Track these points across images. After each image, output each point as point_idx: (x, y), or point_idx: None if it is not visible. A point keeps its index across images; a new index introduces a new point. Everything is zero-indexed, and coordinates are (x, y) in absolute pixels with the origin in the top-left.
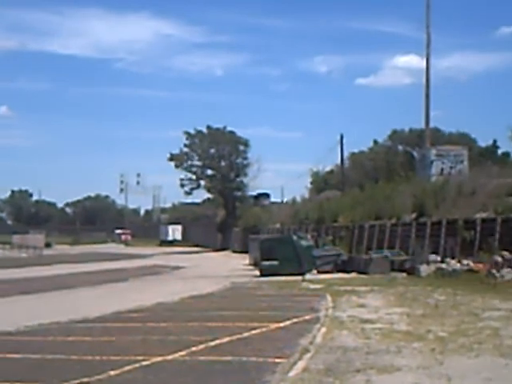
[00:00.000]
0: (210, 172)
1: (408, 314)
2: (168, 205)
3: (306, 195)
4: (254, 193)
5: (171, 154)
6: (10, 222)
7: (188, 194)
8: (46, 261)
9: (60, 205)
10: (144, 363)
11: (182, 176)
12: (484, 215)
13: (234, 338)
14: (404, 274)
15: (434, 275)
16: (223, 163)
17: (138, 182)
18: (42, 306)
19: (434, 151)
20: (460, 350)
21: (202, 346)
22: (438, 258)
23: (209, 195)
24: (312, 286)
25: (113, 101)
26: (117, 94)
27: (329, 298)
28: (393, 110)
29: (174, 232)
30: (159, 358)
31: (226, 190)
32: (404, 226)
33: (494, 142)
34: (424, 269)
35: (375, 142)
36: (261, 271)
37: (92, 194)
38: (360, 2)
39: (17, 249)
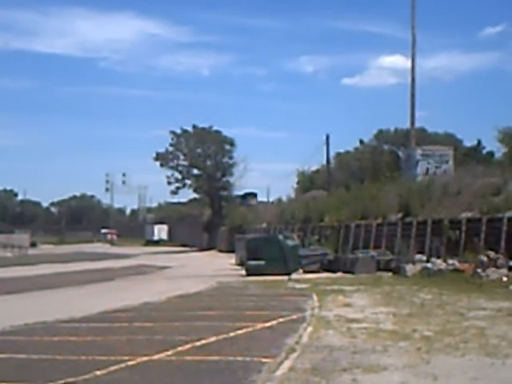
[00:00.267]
0: (195, 171)
1: (394, 314)
2: (154, 204)
3: (292, 195)
4: (241, 192)
5: (157, 154)
6: None
7: (174, 193)
8: (32, 260)
9: (45, 204)
10: (130, 363)
11: (168, 174)
12: (469, 215)
13: (221, 337)
14: (390, 274)
15: (419, 275)
16: (209, 163)
17: (123, 182)
18: (28, 305)
19: (419, 151)
20: (446, 349)
21: (188, 346)
22: (424, 258)
23: (195, 195)
24: (298, 286)
25: (98, 100)
26: (102, 93)
27: (315, 297)
28: (379, 110)
29: (160, 232)
30: (145, 358)
31: (212, 190)
32: (390, 225)
33: (479, 141)
34: (410, 268)
35: (361, 141)
36: (247, 271)
37: (77, 194)
38: (346, 2)
39: (1, 248)
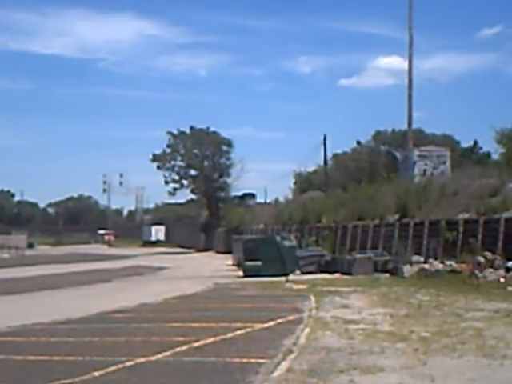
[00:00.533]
0: (193, 172)
1: (391, 315)
2: (151, 205)
3: (290, 196)
4: (239, 193)
5: (153, 155)
6: None
7: (171, 194)
8: (29, 261)
9: (42, 205)
10: (128, 364)
11: (166, 174)
12: (466, 216)
13: (218, 338)
14: (387, 275)
15: (416, 276)
16: (206, 163)
17: (120, 183)
18: (25, 306)
19: (416, 152)
20: (443, 350)
21: (185, 347)
22: (421, 259)
23: (192, 196)
24: (295, 287)
25: (95, 101)
26: (100, 94)
27: (312, 298)
28: (376, 110)
29: (157, 232)
30: (143, 359)
31: (210, 191)
32: (387, 226)
33: (475, 142)
34: (407, 269)
35: (358, 142)
36: (244, 272)
37: (75, 195)
38: (343, 3)
39: None
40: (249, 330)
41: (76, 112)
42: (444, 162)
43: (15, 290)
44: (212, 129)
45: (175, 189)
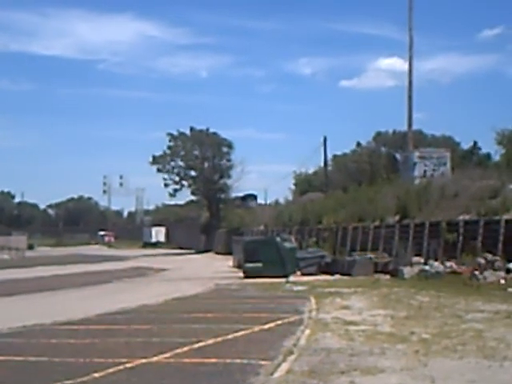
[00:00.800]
0: (193, 174)
1: (391, 316)
2: (151, 207)
3: (290, 197)
4: (241, 194)
5: (153, 157)
6: None
7: (172, 195)
8: (29, 263)
9: (43, 206)
10: (128, 365)
11: (166, 176)
12: (467, 217)
13: (219, 339)
14: (387, 276)
15: (417, 277)
16: (206, 165)
17: (121, 184)
18: (26, 307)
19: (416, 153)
20: (444, 351)
21: (186, 348)
22: (422, 260)
23: (192, 197)
24: (296, 288)
25: (96, 102)
26: (100, 95)
27: (312, 299)
28: (376, 112)
29: (158, 234)
30: (143, 360)
31: (210, 192)
32: (387, 227)
33: (475, 143)
34: (407, 271)
35: (359, 144)
36: (244, 273)
37: (75, 196)
38: (344, 4)
39: None
40: (249, 331)
41: (76, 113)
42: (444, 164)
43: (16, 291)
44: (212, 130)
45: (175, 190)
